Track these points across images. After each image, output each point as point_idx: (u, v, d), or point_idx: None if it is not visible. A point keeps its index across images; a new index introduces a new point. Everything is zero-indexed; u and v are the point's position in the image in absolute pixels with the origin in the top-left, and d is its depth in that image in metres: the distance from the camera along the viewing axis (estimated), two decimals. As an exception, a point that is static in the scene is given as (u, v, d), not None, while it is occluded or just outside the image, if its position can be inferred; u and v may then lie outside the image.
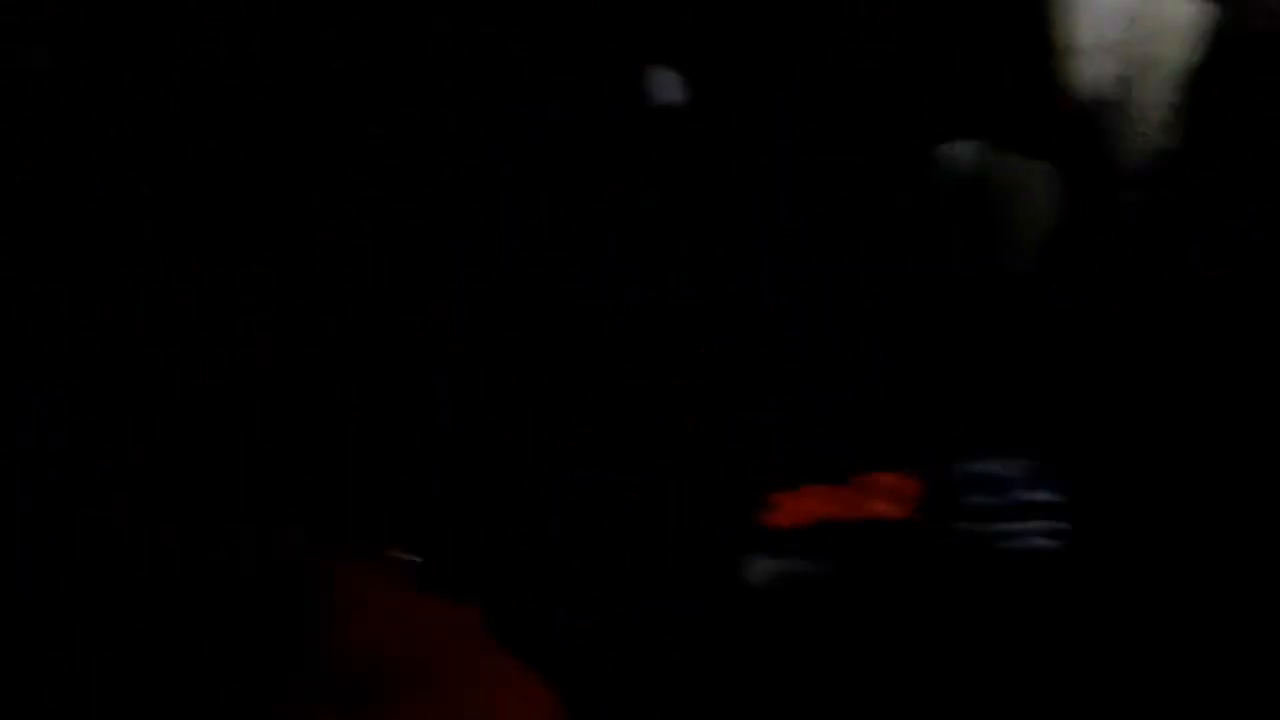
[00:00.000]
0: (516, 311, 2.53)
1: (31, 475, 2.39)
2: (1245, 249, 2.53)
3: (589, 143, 2.61)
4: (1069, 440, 2.50)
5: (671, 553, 2.41)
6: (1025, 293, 2.61)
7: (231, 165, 2.57)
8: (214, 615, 2.35)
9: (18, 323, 2.45)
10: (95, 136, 2.54)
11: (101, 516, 2.39)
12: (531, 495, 2.44)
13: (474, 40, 2.62)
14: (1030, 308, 2.60)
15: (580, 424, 2.49)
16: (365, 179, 2.58)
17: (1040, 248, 2.61)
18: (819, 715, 2.32)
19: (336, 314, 2.50)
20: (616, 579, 2.40)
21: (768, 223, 2.60)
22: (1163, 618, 2.37)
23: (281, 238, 2.53)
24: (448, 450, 2.47)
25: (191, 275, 2.49)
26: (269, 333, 2.48)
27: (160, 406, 2.44)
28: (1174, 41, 2.60)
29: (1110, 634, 2.36)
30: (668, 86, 2.64)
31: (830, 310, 2.57)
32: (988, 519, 2.43)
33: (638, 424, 2.48)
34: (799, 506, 2.43)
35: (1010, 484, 2.45)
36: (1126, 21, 2.62)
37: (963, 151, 2.64)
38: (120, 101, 2.56)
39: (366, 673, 2.26)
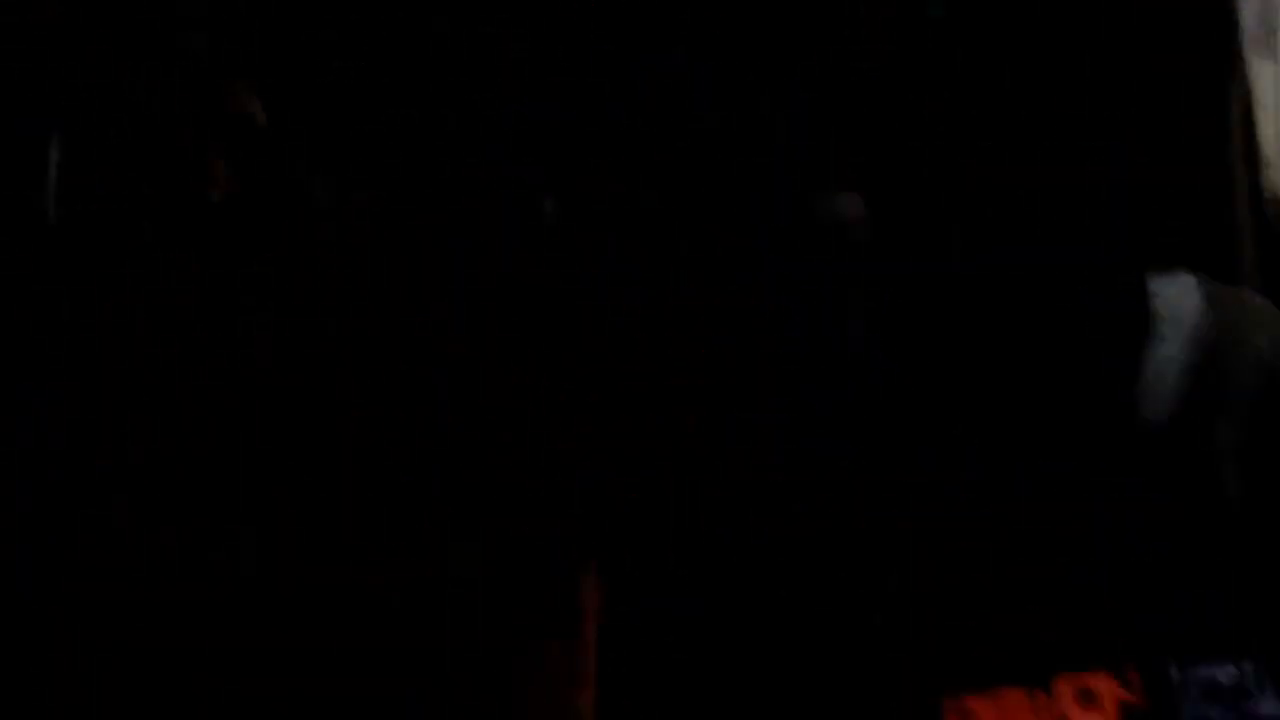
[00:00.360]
0: (516, 311, 2.53)
1: (31, 475, 2.39)
2: None
3: (589, 143, 2.61)
4: None
5: (671, 552, 2.40)
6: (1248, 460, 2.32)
7: (231, 165, 2.57)
8: (214, 615, 2.35)
9: (18, 323, 2.45)
10: (95, 137, 2.54)
11: (101, 516, 2.39)
12: (532, 495, 2.44)
13: (474, 40, 2.62)
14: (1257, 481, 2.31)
15: (580, 424, 2.48)
16: (365, 179, 2.58)
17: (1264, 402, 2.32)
18: None
19: (336, 314, 2.50)
20: (616, 579, 2.40)
21: (768, 223, 2.59)
22: None
23: (281, 238, 2.53)
24: (448, 450, 2.47)
25: (191, 275, 2.49)
26: (269, 333, 2.48)
27: (160, 406, 2.44)
28: None
29: None
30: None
31: (830, 310, 2.57)
32: None
33: (638, 424, 2.48)
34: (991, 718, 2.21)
35: (1238, 692, 2.18)
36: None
37: (1179, 291, 2.36)
38: (120, 101, 2.56)
39: None
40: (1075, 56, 2.44)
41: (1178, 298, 2.37)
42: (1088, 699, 2.19)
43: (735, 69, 2.63)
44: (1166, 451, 2.36)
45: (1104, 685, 2.21)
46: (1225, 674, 2.19)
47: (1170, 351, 2.36)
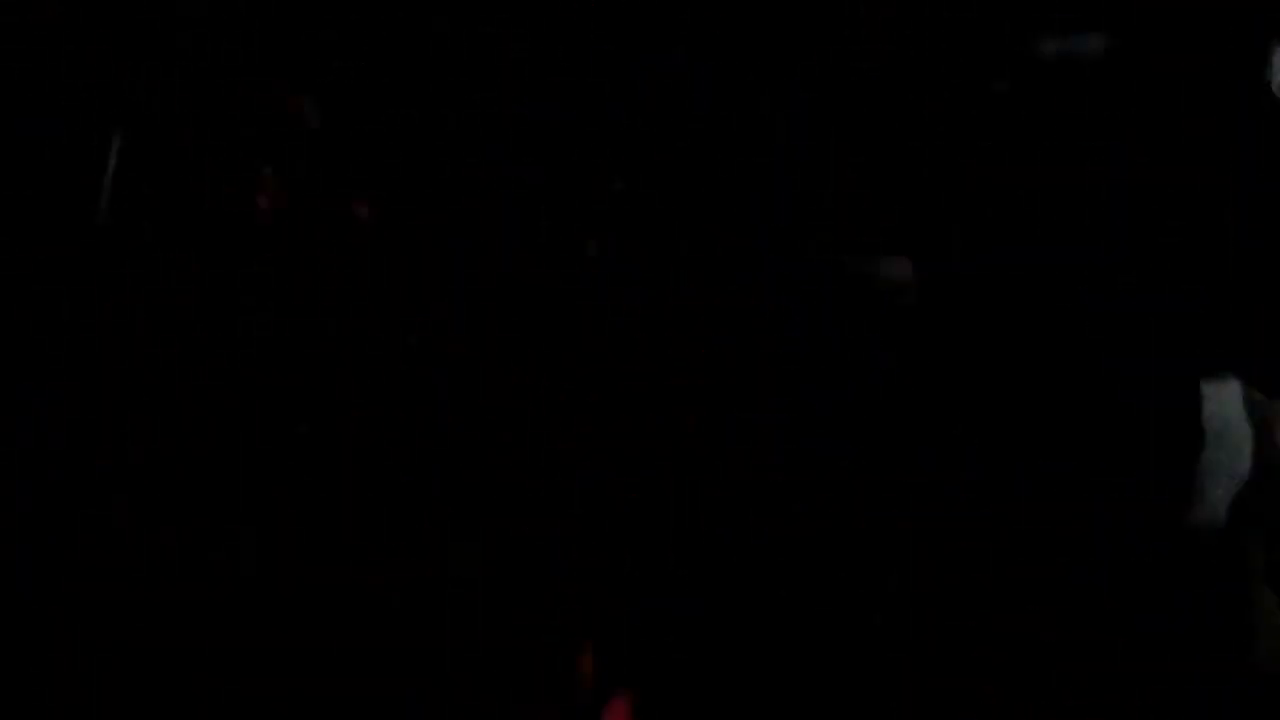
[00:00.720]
0: (516, 311, 2.53)
1: (31, 475, 2.39)
2: None
3: (589, 143, 2.61)
4: None
5: (671, 552, 2.41)
6: None
7: (232, 166, 2.57)
8: (214, 615, 2.35)
9: (18, 323, 2.45)
10: (95, 137, 2.54)
11: (101, 516, 2.39)
12: (532, 495, 2.44)
13: (474, 40, 2.63)
14: None
15: (581, 424, 2.49)
16: (366, 179, 2.58)
17: None
18: None
19: (336, 314, 2.50)
20: (617, 578, 2.40)
21: (768, 223, 2.59)
22: None
23: (281, 238, 2.53)
24: (448, 450, 2.47)
25: (191, 275, 2.49)
26: (269, 333, 2.48)
27: (160, 406, 2.44)
28: None
29: None
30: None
31: (830, 310, 2.57)
32: None
33: (638, 424, 2.48)
34: None
35: None
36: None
37: (1225, 399, 2.30)
38: (120, 101, 2.56)
39: None
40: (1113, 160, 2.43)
41: (1223, 405, 2.34)
42: None
43: (735, 69, 2.63)
44: (1200, 556, 2.32)
45: None
46: None
47: (1213, 457, 2.34)
